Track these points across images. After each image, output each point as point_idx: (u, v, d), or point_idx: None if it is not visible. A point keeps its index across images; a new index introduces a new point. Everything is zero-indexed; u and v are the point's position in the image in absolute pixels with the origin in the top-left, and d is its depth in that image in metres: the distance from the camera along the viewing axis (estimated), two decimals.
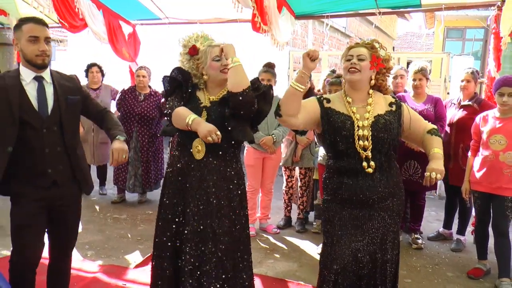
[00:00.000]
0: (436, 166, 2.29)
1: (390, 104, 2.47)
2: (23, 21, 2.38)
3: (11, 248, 2.46)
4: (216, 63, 2.52)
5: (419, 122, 2.50)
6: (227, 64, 2.45)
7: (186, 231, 2.49)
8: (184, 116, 2.41)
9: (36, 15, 5.50)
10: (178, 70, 2.60)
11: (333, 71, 4.67)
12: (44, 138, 2.38)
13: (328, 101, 2.48)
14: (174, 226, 2.56)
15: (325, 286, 2.42)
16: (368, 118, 2.39)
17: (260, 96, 2.52)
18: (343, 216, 2.44)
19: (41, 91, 2.39)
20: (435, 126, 2.51)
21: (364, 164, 2.36)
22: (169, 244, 2.55)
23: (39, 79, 2.40)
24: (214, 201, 2.49)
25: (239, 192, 2.60)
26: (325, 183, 2.52)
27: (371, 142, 2.35)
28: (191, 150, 2.51)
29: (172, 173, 2.60)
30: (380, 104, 2.46)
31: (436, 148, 2.39)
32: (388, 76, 2.55)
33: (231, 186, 2.56)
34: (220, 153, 2.53)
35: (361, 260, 2.38)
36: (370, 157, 2.36)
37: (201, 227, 2.47)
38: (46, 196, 2.41)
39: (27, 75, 2.37)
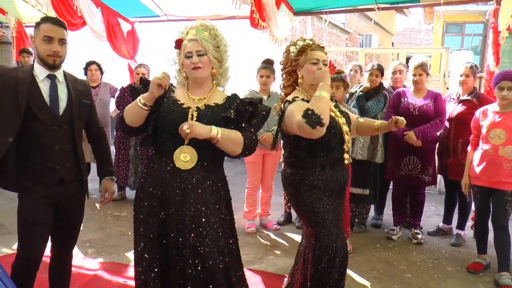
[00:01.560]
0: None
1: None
2: (42, 20, 2.43)
3: (14, 245, 2.47)
4: (187, 60, 2.26)
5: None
6: (196, 62, 2.23)
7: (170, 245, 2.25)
8: (133, 104, 2.26)
9: (47, 15, 5.54)
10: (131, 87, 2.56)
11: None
12: (55, 135, 2.42)
13: (307, 101, 2.52)
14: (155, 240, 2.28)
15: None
16: (340, 116, 2.66)
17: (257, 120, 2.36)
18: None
19: (53, 89, 2.44)
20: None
21: (346, 155, 2.66)
22: (153, 260, 2.28)
23: (52, 78, 2.44)
24: (198, 216, 2.23)
25: (225, 202, 2.44)
26: (309, 179, 2.59)
27: (349, 135, 2.66)
28: (174, 159, 2.23)
29: (147, 184, 2.33)
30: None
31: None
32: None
33: (218, 199, 2.34)
34: (211, 163, 2.30)
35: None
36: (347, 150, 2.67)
37: (185, 242, 2.21)
38: (53, 193, 2.43)
39: (40, 73, 2.42)
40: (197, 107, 2.28)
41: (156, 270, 2.27)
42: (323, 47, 2.60)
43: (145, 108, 2.23)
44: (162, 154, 2.29)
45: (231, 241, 2.41)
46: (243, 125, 2.30)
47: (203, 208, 2.24)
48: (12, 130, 2.33)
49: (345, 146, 2.62)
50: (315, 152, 2.56)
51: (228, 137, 2.18)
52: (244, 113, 2.29)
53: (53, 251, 2.65)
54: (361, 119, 2.90)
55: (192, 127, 2.09)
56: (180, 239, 2.22)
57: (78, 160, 2.53)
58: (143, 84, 2.38)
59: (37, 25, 2.42)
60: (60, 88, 2.47)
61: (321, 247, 2.52)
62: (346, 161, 2.68)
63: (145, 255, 2.27)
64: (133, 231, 2.40)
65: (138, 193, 2.38)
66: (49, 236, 2.57)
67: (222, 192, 2.40)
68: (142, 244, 2.29)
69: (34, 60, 2.51)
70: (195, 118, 2.23)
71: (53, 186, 2.43)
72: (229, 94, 2.42)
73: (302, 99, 2.52)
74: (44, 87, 2.42)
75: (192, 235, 2.20)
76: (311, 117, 2.22)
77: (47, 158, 2.41)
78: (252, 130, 2.32)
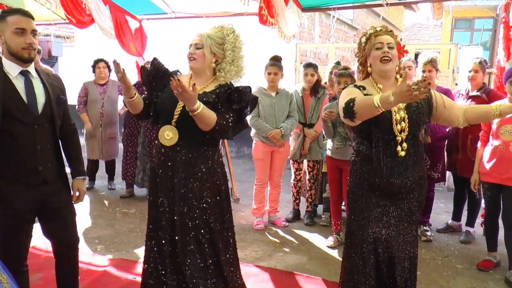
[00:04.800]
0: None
1: None
2: (7, 12, 2.28)
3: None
4: (188, 49, 2.54)
5: (451, 102, 2.55)
6: (191, 53, 2.50)
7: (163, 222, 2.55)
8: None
9: (40, 11, 5.56)
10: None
11: (338, 63, 4.65)
12: (35, 135, 2.31)
13: (364, 88, 2.52)
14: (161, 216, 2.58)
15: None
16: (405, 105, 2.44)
17: (242, 107, 2.54)
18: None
19: (29, 86, 2.31)
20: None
21: (398, 148, 2.42)
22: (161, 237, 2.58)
23: (25, 74, 2.32)
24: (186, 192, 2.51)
25: (218, 198, 2.59)
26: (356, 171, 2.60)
27: (407, 124, 2.40)
28: (159, 136, 2.53)
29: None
30: None
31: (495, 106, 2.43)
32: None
33: (203, 187, 2.53)
34: (196, 145, 2.52)
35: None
36: (405, 139, 2.42)
37: (175, 217, 2.52)
38: (37, 195, 2.35)
39: (12, 69, 2.28)
40: None
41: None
42: (390, 31, 2.50)
43: (128, 99, 2.51)
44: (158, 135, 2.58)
45: (224, 228, 2.63)
46: (222, 109, 2.48)
47: (190, 185, 2.49)
48: None
49: (397, 135, 2.46)
50: (366, 142, 2.60)
51: (203, 114, 2.35)
52: (221, 97, 2.49)
53: (56, 250, 2.59)
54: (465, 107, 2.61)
55: (182, 90, 2.22)
56: (170, 210, 2.52)
57: (60, 158, 2.47)
58: (153, 66, 2.64)
59: (3, 17, 2.26)
60: (36, 85, 2.35)
61: None
62: (400, 154, 2.49)
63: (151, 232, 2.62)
64: (142, 227, 2.61)
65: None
66: (49, 238, 2.55)
67: (216, 179, 2.58)
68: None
69: None
70: (182, 104, 2.42)
71: (37, 186, 2.35)
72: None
73: (355, 85, 2.52)
74: (19, 84, 2.28)
75: (180, 208, 2.49)
76: (347, 107, 2.27)
77: (28, 159, 2.30)
78: (230, 114, 2.48)
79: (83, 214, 4.80)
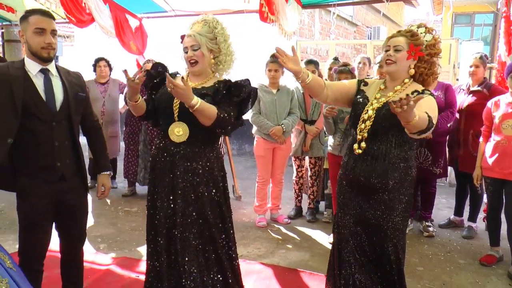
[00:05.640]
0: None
1: (413, 93, 2.36)
2: (29, 12, 2.34)
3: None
4: (185, 54, 2.48)
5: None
6: (191, 56, 2.44)
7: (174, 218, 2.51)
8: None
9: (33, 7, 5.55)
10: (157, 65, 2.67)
11: (336, 59, 4.64)
12: (53, 131, 2.36)
13: (366, 84, 2.60)
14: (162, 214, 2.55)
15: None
16: (379, 103, 2.43)
17: (242, 99, 2.53)
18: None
19: (47, 84, 2.37)
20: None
21: (355, 146, 2.48)
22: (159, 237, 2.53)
23: (45, 72, 2.37)
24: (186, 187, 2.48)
25: (217, 193, 2.56)
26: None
27: (370, 125, 2.42)
28: (169, 133, 2.48)
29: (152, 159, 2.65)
30: (405, 93, 2.37)
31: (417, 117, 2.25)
32: (435, 62, 2.50)
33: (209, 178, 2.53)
34: (202, 139, 2.50)
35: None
36: (365, 139, 2.43)
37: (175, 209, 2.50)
38: (54, 190, 2.39)
39: (32, 67, 2.34)
40: None
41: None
42: (399, 32, 2.47)
43: (133, 102, 2.46)
44: (159, 134, 2.60)
45: (224, 224, 2.60)
46: (222, 102, 2.46)
47: (189, 180, 2.47)
48: (11, 130, 2.26)
49: (358, 132, 2.50)
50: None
51: (202, 108, 2.33)
52: (221, 91, 2.47)
53: (62, 247, 2.63)
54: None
55: (175, 89, 2.21)
56: (171, 206, 2.49)
57: (78, 155, 2.50)
58: (154, 68, 2.63)
59: (25, 17, 2.32)
60: (55, 82, 2.40)
61: None
62: (356, 151, 2.50)
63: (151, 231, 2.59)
64: (145, 225, 2.62)
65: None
66: (58, 234, 2.57)
67: (215, 175, 2.56)
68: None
69: None
70: (178, 100, 2.41)
71: (54, 182, 2.39)
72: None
73: (359, 81, 2.65)
74: (39, 82, 2.34)
75: (179, 201, 2.46)
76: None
77: (46, 155, 2.35)
78: (231, 107, 2.47)
79: None
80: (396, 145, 2.41)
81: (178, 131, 2.45)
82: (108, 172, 2.71)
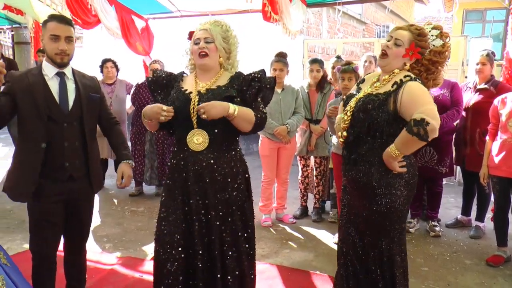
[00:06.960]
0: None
1: (393, 84, 2.31)
2: (48, 18, 2.43)
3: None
4: (195, 46, 2.36)
5: (409, 110, 2.24)
6: (203, 47, 2.31)
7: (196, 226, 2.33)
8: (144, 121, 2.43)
9: (54, 13, 5.62)
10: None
11: (338, 57, 4.62)
12: (64, 132, 2.43)
13: (363, 81, 2.60)
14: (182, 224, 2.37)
15: None
16: (363, 94, 2.42)
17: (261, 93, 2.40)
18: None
19: (62, 86, 2.45)
20: (420, 116, 2.18)
21: (341, 140, 2.48)
22: (177, 244, 2.33)
23: (60, 75, 2.46)
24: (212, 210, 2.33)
25: (240, 196, 2.43)
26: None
27: (349, 119, 2.40)
28: (187, 142, 2.32)
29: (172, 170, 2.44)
30: (389, 84, 2.35)
31: (392, 146, 2.25)
32: (436, 70, 2.41)
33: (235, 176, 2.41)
34: (224, 142, 2.35)
35: None
36: (347, 129, 2.42)
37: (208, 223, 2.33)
38: (63, 190, 2.45)
39: (49, 71, 2.43)
40: (198, 91, 2.34)
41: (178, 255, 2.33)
42: (410, 25, 2.42)
43: (150, 121, 2.37)
44: (177, 141, 2.42)
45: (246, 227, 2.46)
46: (252, 104, 2.35)
47: (219, 189, 2.34)
48: (42, 135, 2.36)
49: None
50: None
51: (243, 114, 2.26)
52: (249, 91, 2.34)
53: (65, 246, 2.69)
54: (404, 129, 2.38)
55: (207, 112, 2.15)
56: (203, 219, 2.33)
57: (87, 157, 2.54)
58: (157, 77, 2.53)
59: (45, 23, 2.43)
60: (69, 85, 2.48)
61: None
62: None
63: (165, 231, 2.37)
64: (151, 225, 2.52)
65: (166, 181, 2.46)
66: (62, 231, 2.60)
67: (239, 167, 2.44)
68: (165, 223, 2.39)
69: (36, 62, 2.50)
70: (196, 102, 2.28)
71: (63, 182, 2.45)
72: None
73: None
74: (54, 85, 2.43)
75: (213, 212, 2.32)
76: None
77: (56, 155, 2.41)
78: (262, 106, 2.39)
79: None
80: (378, 138, 2.32)
81: (198, 139, 2.31)
82: (128, 161, 2.67)
